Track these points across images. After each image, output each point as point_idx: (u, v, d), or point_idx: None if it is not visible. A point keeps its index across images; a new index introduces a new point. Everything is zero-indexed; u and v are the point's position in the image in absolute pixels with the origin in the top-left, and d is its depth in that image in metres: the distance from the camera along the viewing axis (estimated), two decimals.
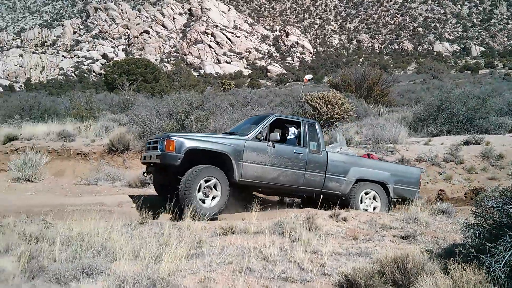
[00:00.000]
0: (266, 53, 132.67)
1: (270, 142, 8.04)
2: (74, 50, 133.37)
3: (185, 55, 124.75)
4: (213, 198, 7.56)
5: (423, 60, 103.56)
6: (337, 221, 6.59)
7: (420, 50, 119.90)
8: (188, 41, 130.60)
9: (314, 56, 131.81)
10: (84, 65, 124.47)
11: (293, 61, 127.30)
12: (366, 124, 17.27)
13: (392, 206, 9.11)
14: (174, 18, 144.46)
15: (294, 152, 8.27)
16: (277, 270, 4.72)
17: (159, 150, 7.71)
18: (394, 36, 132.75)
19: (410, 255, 4.41)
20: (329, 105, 16.11)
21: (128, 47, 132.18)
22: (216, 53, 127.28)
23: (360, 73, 29.37)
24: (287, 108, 20.87)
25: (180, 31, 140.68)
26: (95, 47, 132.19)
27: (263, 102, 23.58)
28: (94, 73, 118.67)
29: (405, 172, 9.36)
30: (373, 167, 9.07)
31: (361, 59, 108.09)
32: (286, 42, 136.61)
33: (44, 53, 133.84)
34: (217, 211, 7.50)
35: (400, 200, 9.17)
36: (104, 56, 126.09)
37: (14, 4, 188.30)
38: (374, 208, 8.80)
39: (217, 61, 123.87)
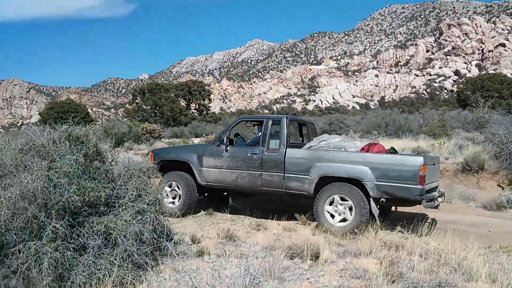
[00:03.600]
0: None
1: (224, 146, 8.43)
2: (426, 68, 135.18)
3: None
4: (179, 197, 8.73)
5: None
6: None
7: None
8: None
9: None
10: (435, 82, 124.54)
11: None
12: None
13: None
14: None
15: (249, 153, 8.19)
16: None
17: None
18: None
19: None
20: None
21: (482, 62, 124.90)
22: None
23: None
24: None
25: None
26: (447, 64, 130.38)
27: None
28: (445, 90, 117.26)
29: (394, 164, 7.27)
30: (346, 161, 7.59)
31: None
32: None
33: (398, 73, 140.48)
34: (182, 208, 8.48)
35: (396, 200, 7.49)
36: (456, 72, 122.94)
37: (371, 28, 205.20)
38: (344, 220, 7.41)
39: None
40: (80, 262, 4.82)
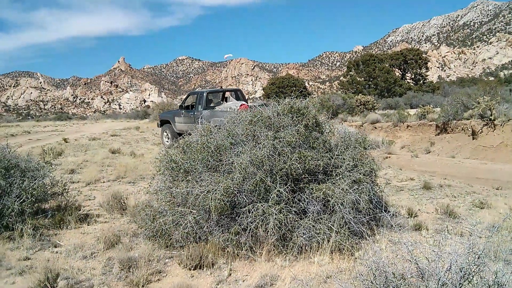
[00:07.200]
0: None
1: (181, 111, 15.68)
2: None
3: None
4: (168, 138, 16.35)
5: None
6: None
7: None
8: None
9: None
10: None
11: None
12: None
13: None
14: None
15: (190, 114, 15.07)
16: None
17: None
18: None
19: None
20: None
21: None
22: None
23: None
24: None
25: None
26: None
27: None
28: None
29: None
30: (220, 116, 12.85)
31: None
32: None
33: None
34: (171, 143, 15.27)
35: None
36: None
37: None
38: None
39: None
40: (301, 225, 5.18)
